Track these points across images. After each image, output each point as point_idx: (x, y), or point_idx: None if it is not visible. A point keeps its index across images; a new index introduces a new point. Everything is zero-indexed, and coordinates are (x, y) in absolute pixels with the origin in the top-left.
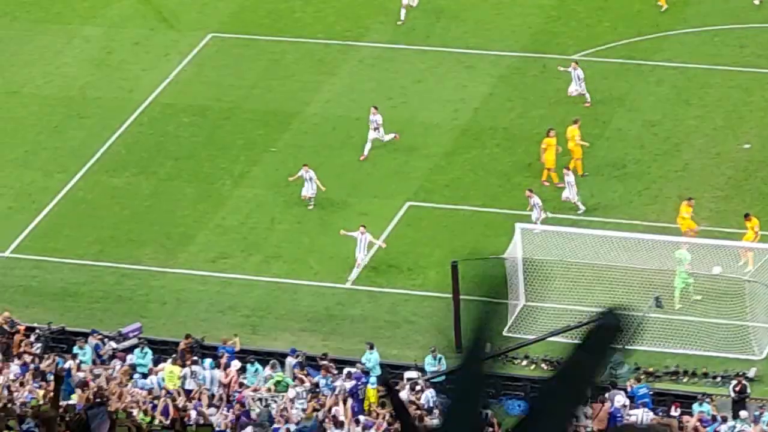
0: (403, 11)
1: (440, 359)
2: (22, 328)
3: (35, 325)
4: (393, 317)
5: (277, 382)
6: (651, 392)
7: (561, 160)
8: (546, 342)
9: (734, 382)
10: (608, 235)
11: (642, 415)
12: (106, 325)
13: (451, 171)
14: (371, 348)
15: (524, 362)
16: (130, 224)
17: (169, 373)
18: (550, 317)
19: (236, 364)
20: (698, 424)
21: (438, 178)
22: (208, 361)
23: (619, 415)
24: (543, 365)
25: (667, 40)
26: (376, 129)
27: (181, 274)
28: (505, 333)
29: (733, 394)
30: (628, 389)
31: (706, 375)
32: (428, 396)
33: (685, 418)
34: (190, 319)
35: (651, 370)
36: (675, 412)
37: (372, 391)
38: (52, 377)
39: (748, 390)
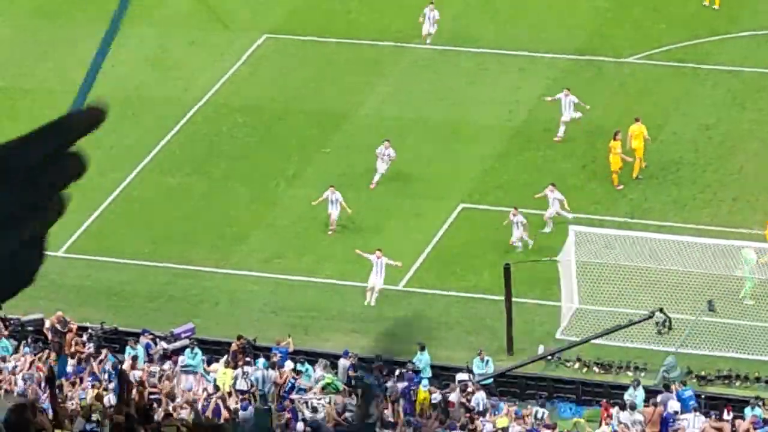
0: (428, 39)
1: (488, 362)
2: (74, 327)
3: (87, 324)
4: (445, 319)
5: (327, 384)
6: (697, 395)
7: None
8: (598, 345)
9: None
10: (662, 239)
11: (693, 419)
12: (158, 325)
13: (504, 173)
14: (422, 349)
15: (576, 365)
16: (184, 224)
17: (222, 374)
18: (603, 320)
19: (289, 364)
20: (750, 427)
21: (491, 180)
22: (261, 361)
23: (671, 419)
24: (595, 368)
25: (723, 43)
26: (382, 162)
27: (233, 274)
28: (558, 335)
29: None
30: (674, 392)
31: (758, 379)
32: (478, 398)
33: (738, 422)
34: (243, 319)
35: (703, 374)
36: (728, 415)
37: (423, 393)
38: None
39: None
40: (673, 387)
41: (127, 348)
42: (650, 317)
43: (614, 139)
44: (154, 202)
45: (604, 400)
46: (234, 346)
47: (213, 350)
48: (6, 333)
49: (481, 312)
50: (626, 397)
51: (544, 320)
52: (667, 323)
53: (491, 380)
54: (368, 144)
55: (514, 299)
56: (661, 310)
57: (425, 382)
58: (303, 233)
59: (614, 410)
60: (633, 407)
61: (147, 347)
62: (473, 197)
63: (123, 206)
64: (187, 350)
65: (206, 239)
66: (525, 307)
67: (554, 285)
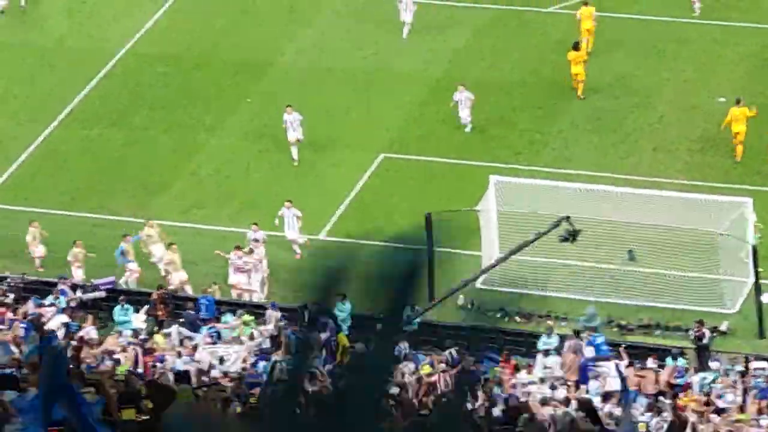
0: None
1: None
2: None
3: (7, 275)
4: (367, 270)
5: (245, 323)
6: (616, 344)
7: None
8: (518, 295)
9: (694, 327)
10: (581, 188)
11: (613, 366)
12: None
13: (424, 123)
14: (343, 299)
15: (498, 315)
16: (104, 175)
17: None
18: (524, 269)
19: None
20: (671, 377)
21: (412, 130)
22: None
23: (589, 366)
24: (516, 317)
25: None
26: (294, 130)
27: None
28: (479, 285)
29: (692, 341)
30: (584, 340)
31: (678, 329)
32: (401, 347)
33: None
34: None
35: (624, 323)
36: (653, 363)
37: (343, 337)
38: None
39: (707, 338)
40: (583, 335)
41: (49, 298)
42: (557, 226)
43: (574, 50)
44: (75, 153)
45: (505, 353)
46: (154, 296)
47: (135, 301)
48: None
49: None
50: (540, 345)
51: (465, 270)
52: (572, 233)
53: (417, 329)
54: (289, 93)
55: (435, 249)
56: (567, 219)
57: (345, 328)
58: (224, 182)
59: (538, 357)
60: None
61: (62, 293)
62: (393, 147)
63: (43, 157)
64: (117, 307)
65: (127, 190)
66: (445, 255)
67: (474, 235)
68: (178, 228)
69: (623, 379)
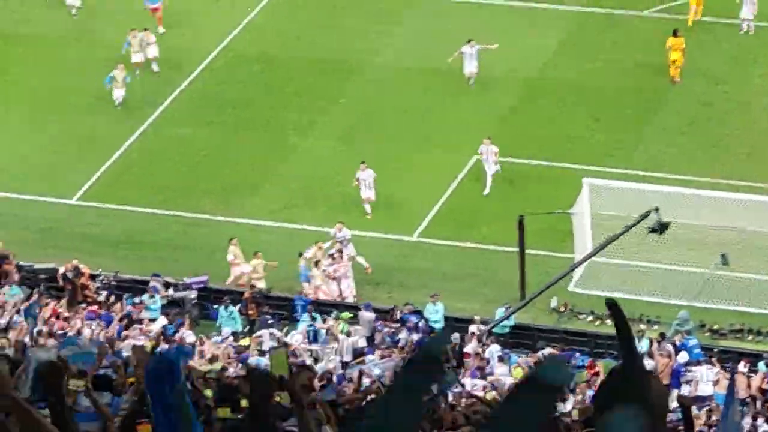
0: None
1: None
2: (86, 273)
3: (100, 272)
4: (458, 270)
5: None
6: (709, 348)
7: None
8: (612, 298)
9: None
10: (675, 192)
11: (705, 371)
12: (171, 274)
13: (517, 125)
14: (436, 300)
15: (589, 318)
16: (196, 174)
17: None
18: (616, 273)
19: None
20: (764, 382)
21: (505, 132)
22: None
23: (682, 371)
24: (608, 321)
25: None
26: (368, 188)
27: (246, 224)
28: (571, 288)
29: None
30: (677, 343)
31: None
32: (493, 350)
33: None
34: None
35: (716, 327)
36: (744, 368)
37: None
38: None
39: None
40: (676, 338)
41: (144, 296)
42: (645, 217)
43: (674, 36)
44: (167, 153)
45: (590, 359)
46: (246, 295)
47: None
48: (18, 280)
49: (494, 264)
50: None
51: (557, 272)
52: (662, 225)
53: (506, 331)
54: (382, 95)
55: (527, 251)
56: (657, 210)
57: (438, 329)
58: (315, 184)
59: None
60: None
61: (154, 290)
62: None
63: (136, 156)
64: (221, 308)
65: (218, 190)
66: (538, 259)
67: (568, 238)
68: (267, 228)
69: (731, 384)
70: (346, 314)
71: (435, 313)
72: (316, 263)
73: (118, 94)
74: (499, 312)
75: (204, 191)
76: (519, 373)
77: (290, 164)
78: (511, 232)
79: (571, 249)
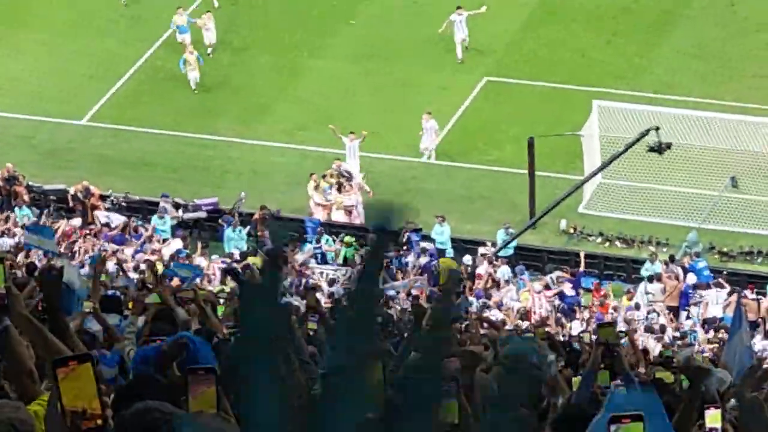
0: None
1: (511, 233)
2: (96, 194)
3: (110, 192)
4: (467, 192)
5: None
6: (718, 271)
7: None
8: (620, 220)
9: None
10: (684, 114)
11: (715, 294)
12: (181, 196)
13: (526, 47)
14: (442, 221)
15: (599, 239)
16: (207, 95)
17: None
18: (625, 194)
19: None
20: None
21: (515, 54)
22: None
23: (690, 292)
24: (617, 243)
25: None
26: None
27: (258, 145)
28: (581, 210)
29: None
30: (686, 265)
31: None
32: (504, 271)
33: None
34: (267, 190)
35: (725, 250)
36: (751, 294)
37: (447, 260)
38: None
39: None
40: (685, 259)
41: (154, 218)
42: (645, 135)
43: None
44: (178, 73)
45: (595, 281)
46: (257, 215)
47: (239, 222)
48: (28, 200)
49: (503, 185)
50: (643, 272)
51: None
52: (662, 145)
53: (512, 253)
54: (394, 15)
55: (537, 173)
56: (657, 129)
57: (450, 251)
58: (327, 105)
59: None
60: (656, 279)
61: (164, 211)
62: (497, 71)
63: (147, 76)
64: (228, 229)
65: (230, 110)
66: (548, 181)
67: (577, 159)
68: (280, 149)
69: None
70: (349, 239)
71: (441, 235)
72: (315, 187)
73: (193, 75)
74: (500, 234)
75: (217, 113)
76: (526, 297)
77: (303, 85)
78: (521, 154)
79: (581, 170)
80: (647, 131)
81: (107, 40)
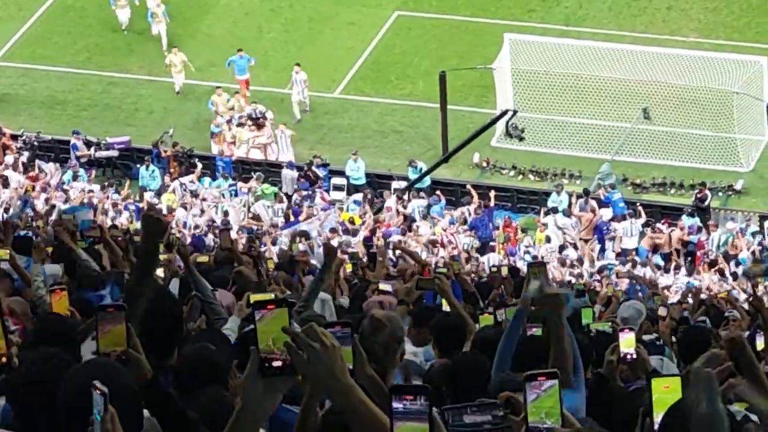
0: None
1: (421, 169)
2: (7, 134)
3: (22, 132)
4: (380, 127)
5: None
6: (632, 203)
7: None
8: (534, 153)
9: (696, 189)
10: (596, 46)
11: (630, 226)
12: (92, 134)
13: None
14: (356, 157)
15: (512, 173)
16: (118, 34)
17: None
18: (539, 127)
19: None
20: (685, 234)
21: None
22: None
23: (605, 227)
24: (530, 176)
25: None
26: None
27: (168, 83)
28: (494, 143)
29: (693, 203)
30: (602, 197)
31: (693, 187)
32: (414, 206)
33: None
34: (178, 128)
35: (638, 181)
36: (666, 228)
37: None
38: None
39: (708, 200)
40: (600, 192)
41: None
42: (502, 116)
43: None
44: (88, 12)
45: (506, 216)
46: (168, 152)
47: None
48: None
49: (416, 120)
50: (549, 203)
51: (478, 127)
52: (517, 130)
53: (426, 185)
54: None
55: (449, 107)
56: (515, 113)
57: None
58: (237, 41)
59: (549, 216)
60: (565, 213)
61: (73, 148)
62: (408, 4)
63: (57, 14)
64: (142, 168)
65: (140, 49)
66: (460, 115)
67: (490, 93)
68: (191, 86)
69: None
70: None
71: (356, 171)
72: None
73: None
74: (410, 171)
75: (127, 50)
76: (438, 231)
77: (210, 22)
78: (433, 88)
79: (493, 104)
80: (505, 112)
81: None
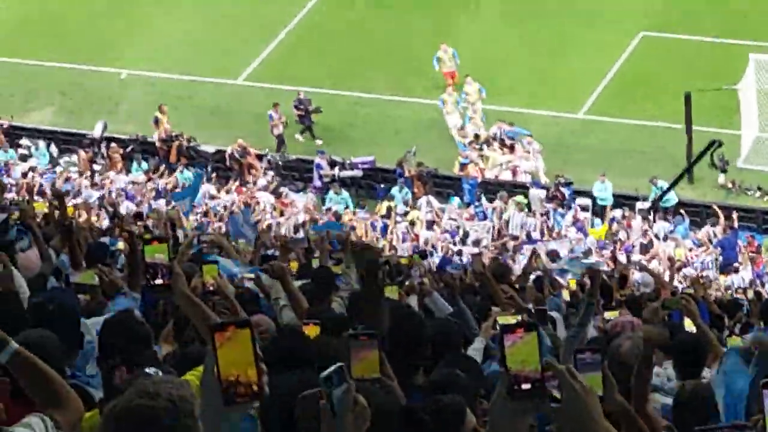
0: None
1: (661, 188)
2: (253, 153)
3: (267, 152)
4: (625, 147)
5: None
6: None
7: None
8: None
9: None
10: None
11: None
12: (338, 153)
13: (685, 1)
14: (603, 179)
15: (757, 194)
16: (363, 55)
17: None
18: None
19: None
20: None
21: (672, 8)
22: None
23: None
24: None
25: None
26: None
27: (416, 103)
28: (739, 165)
29: None
30: None
31: None
32: (660, 227)
33: None
34: (423, 148)
35: None
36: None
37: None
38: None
39: None
40: None
41: None
42: (709, 148)
43: None
44: (334, 33)
45: (749, 235)
46: (412, 172)
47: (392, 179)
48: (186, 163)
49: (661, 140)
50: None
51: (724, 149)
52: (722, 161)
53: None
54: None
55: (694, 128)
56: (720, 144)
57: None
58: (483, 65)
59: None
60: None
61: (317, 167)
62: (654, 26)
63: (303, 35)
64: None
65: (387, 71)
66: (705, 136)
67: (735, 114)
68: (434, 107)
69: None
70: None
71: (603, 191)
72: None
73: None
74: (652, 189)
75: (373, 71)
76: (680, 253)
77: (459, 44)
78: (678, 109)
79: (737, 125)
80: (711, 144)
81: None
